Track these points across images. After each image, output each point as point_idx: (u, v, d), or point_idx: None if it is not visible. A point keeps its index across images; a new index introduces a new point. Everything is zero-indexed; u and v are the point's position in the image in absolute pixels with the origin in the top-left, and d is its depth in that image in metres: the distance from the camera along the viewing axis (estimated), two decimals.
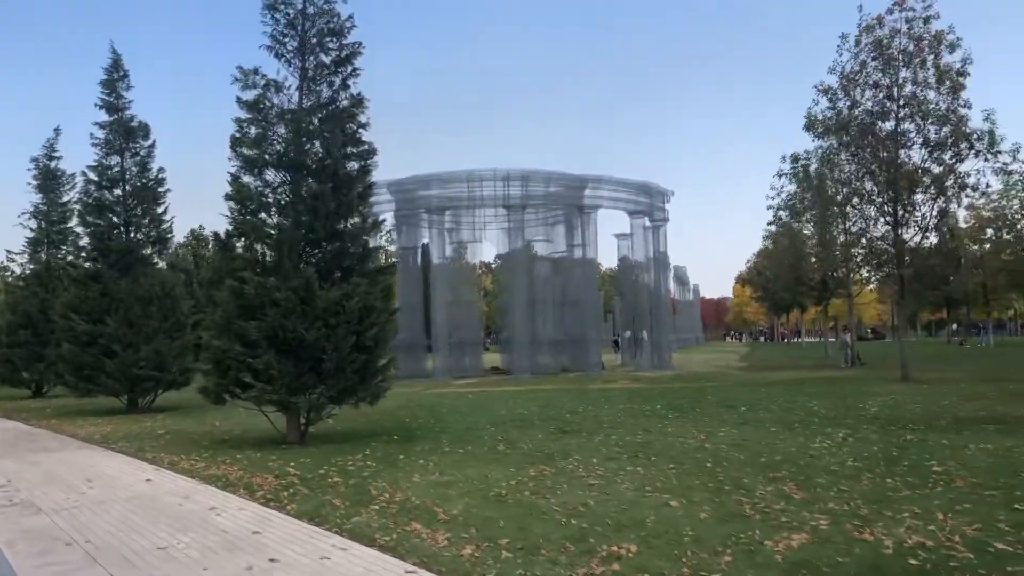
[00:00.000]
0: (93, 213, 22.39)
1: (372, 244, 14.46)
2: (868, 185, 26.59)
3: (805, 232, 43.60)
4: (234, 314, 13.53)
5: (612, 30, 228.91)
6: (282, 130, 14.36)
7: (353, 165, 14.44)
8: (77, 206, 22.22)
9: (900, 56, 25.09)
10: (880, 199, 26.27)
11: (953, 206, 25.79)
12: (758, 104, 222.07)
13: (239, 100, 14.36)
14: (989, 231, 53.72)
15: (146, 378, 21.31)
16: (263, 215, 14.13)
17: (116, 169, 22.63)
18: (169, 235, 23.06)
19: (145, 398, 22.45)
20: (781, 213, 39.58)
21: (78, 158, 79.15)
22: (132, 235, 22.65)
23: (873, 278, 30.04)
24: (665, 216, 38.45)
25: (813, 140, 28.80)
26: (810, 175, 32.17)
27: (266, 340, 13.18)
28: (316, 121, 14.38)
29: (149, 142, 22.95)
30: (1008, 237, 50.88)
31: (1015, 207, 48.61)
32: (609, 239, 41.18)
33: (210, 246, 54.10)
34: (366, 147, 14.43)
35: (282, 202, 14.25)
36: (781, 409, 17.68)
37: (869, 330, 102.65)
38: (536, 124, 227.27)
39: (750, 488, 8.89)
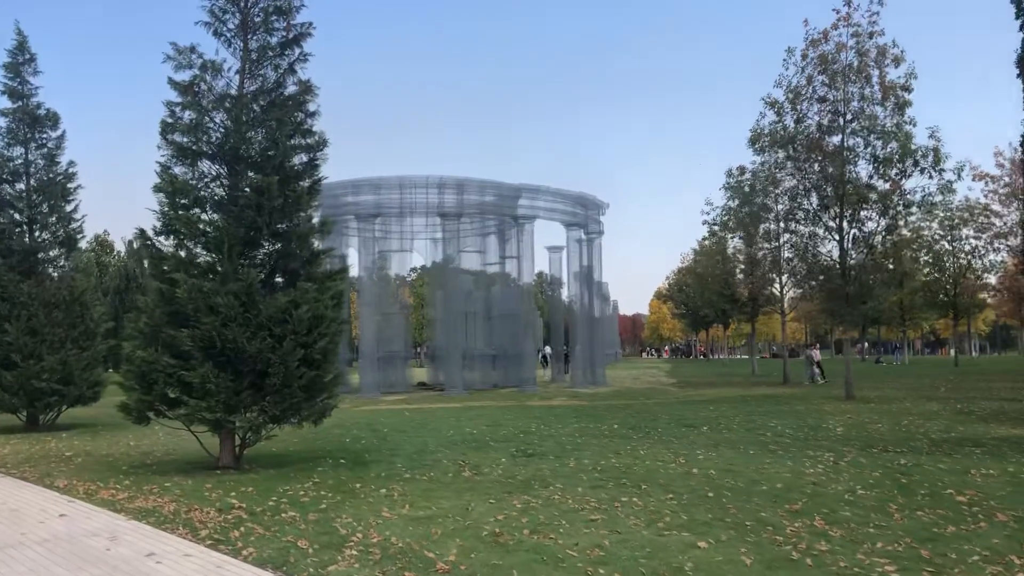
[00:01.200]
0: None
1: (320, 246, 13.02)
2: (813, 200, 26.30)
3: (736, 248, 43.68)
4: (162, 321, 11.91)
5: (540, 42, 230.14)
6: (221, 117, 12.83)
7: (301, 158, 13.01)
8: None
9: (845, 71, 24.93)
10: (826, 215, 26.02)
11: (900, 223, 25.58)
12: (681, 128, 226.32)
13: (171, 81, 12.78)
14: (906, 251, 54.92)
15: (49, 392, 19.20)
16: (197, 210, 12.56)
17: (19, 161, 20.47)
18: (79, 235, 20.97)
19: (48, 414, 20.29)
20: (715, 228, 39.45)
21: None
22: (37, 234, 20.51)
23: (815, 295, 29.80)
24: (600, 229, 37.74)
25: (756, 155, 28.46)
26: (755, 188, 31.94)
27: (201, 351, 11.62)
28: (259, 108, 12.89)
29: (58, 132, 20.88)
30: (927, 258, 52.14)
31: (934, 228, 49.80)
32: (540, 251, 40.02)
33: (133, 245, 51.09)
34: (316, 138, 13.01)
35: (219, 197, 12.71)
36: (744, 429, 16.90)
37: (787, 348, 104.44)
38: (460, 133, 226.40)
39: (774, 523, 7.89)
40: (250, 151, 12.62)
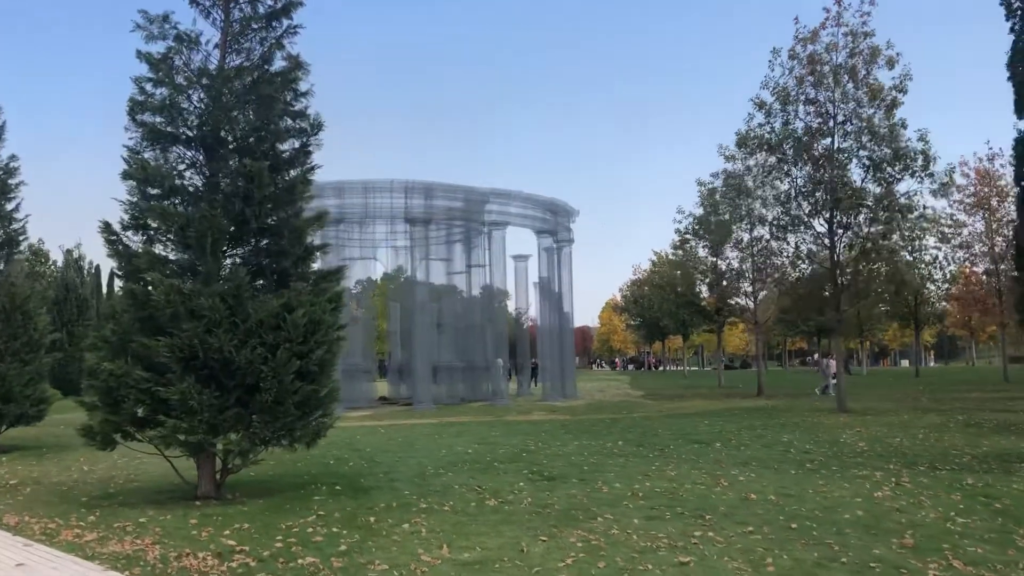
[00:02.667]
0: None
1: (315, 242, 11.44)
2: (804, 205, 25.45)
3: (703, 258, 42.85)
4: (133, 328, 10.24)
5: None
6: (198, 96, 11.20)
7: (293, 143, 11.45)
8: None
9: (835, 72, 24.17)
10: (816, 220, 25.19)
11: (893, 228, 24.85)
12: (635, 137, 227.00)
13: (140, 54, 11.12)
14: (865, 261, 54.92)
15: None
16: (174, 200, 10.91)
17: None
18: (22, 236, 18.91)
19: None
20: (687, 236, 38.58)
21: None
22: None
23: (801, 303, 29.02)
24: (570, 237, 36.56)
25: (745, 158, 27.61)
26: (727, 195, 31.14)
27: (180, 362, 9.96)
28: (243, 86, 11.30)
29: None
30: (885, 268, 52.00)
31: (894, 238, 49.68)
32: (506, 260, 38.58)
33: (72, 253, 47.90)
34: (309, 121, 11.46)
35: (197, 186, 11.08)
36: (760, 445, 15.73)
37: (737, 360, 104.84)
38: (412, 136, 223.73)
39: (904, 566, 6.61)
40: (234, 133, 11.02)
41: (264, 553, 7.41)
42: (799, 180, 25.46)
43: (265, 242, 10.95)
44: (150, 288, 10.27)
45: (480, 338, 35.78)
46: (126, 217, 11.06)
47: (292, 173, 11.28)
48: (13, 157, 18.79)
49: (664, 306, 61.03)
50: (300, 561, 7.08)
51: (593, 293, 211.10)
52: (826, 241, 24.99)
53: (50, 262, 64.67)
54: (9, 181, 18.66)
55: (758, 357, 39.80)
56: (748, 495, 10.06)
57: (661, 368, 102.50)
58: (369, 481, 12.16)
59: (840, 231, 24.76)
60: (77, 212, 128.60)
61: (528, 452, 15.36)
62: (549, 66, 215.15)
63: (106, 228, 11.05)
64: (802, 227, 25.97)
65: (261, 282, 11.09)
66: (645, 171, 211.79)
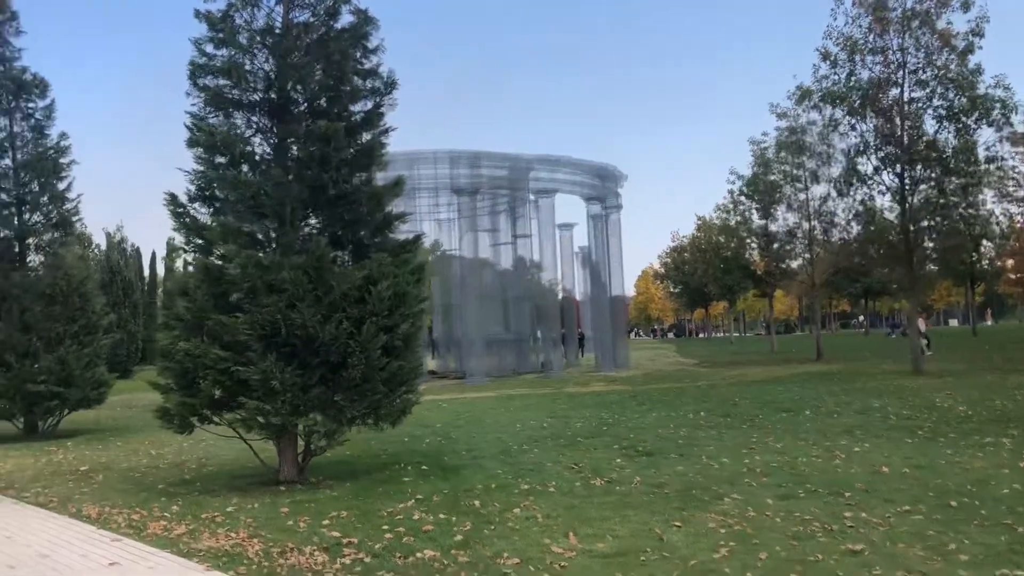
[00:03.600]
0: None
1: (393, 209, 10.69)
2: (872, 160, 24.30)
3: (753, 220, 41.62)
4: (208, 305, 9.60)
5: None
6: (263, 56, 10.48)
7: (365, 104, 10.69)
8: None
9: (905, 18, 22.90)
10: (887, 174, 24.03)
11: (975, 180, 23.65)
12: (672, 105, 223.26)
13: (199, 13, 10.41)
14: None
15: (49, 395, 16.75)
16: (241, 168, 10.22)
17: (3, 134, 17.92)
18: (76, 217, 18.44)
19: (47, 421, 17.86)
20: (741, 197, 37.42)
21: None
22: (26, 216, 17.99)
23: (871, 262, 27.92)
24: (619, 202, 35.57)
25: (794, 117, 26.47)
26: (801, 148, 29.92)
27: (261, 340, 9.32)
28: (310, 44, 10.53)
29: (47, 101, 18.31)
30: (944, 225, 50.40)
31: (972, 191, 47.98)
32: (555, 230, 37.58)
33: (114, 236, 47.71)
34: (381, 79, 10.68)
35: (265, 151, 10.39)
36: (854, 411, 14.87)
37: (778, 325, 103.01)
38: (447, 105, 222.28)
39: None
40: (305, 94, 10.29)
41: (376, 546, 6.75)
42: (866, 134, 24.27)
43: (341, 210, 10.22)
44: (223, 262, 9.63)
45: (525, 310, 35.11)
46: (192, 188, 10.43)
47: (366, 136, 10.53)
48: (63, 135, 18.31)
49: (709, 271, 59.90)
50: (419, 555, 6.41)
51: (626, 262, 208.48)
52: (894, 197, 23.86)
53: (93, 245, 64.91)
54: (61, 160, 18.17)
55: (815, 321, 38.60)
56: (878, 468, 9.25)
57: (703, 335, 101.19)
58: (453, 460, 11.52)
59: (912, 186, 23.60)
60: (114, 194, 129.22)
61: (608, 425, 14.64)
62: (589, 29, 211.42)
63: (172, 200, 10.41)
64: (868, 183, 24.84)
65: (337, 253, 10.38)
66: (676, 141, 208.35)
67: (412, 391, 10.54)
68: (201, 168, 10.29)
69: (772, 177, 35.97)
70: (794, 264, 42.49)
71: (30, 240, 17.96)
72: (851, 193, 25.80)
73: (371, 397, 9.78)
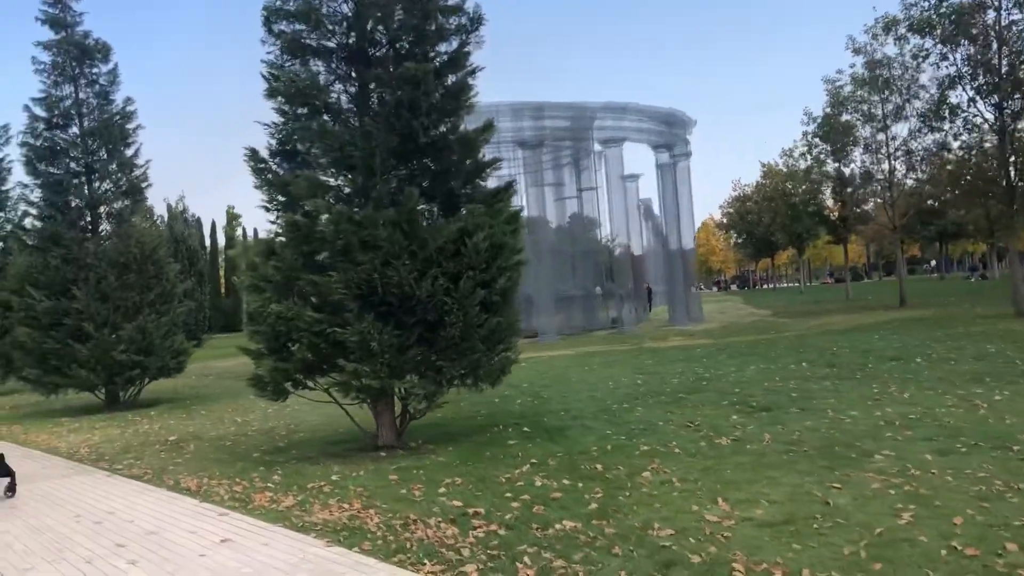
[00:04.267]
0: (44, 159, 17.40)
1: (484, 156, 9.98)
2: (964, 93, 22.79)
3: (828, 162, 39.92)
4: (297, 265, 9.06)
5: None
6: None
7: (450, 43, 9.94)
8: (21, 153, 17.28)
9: None
10: (984, 105, 22.53)
11: None
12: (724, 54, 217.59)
13: None
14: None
15: (130, 365, 16.63)
16: (322, 118, 9.59)
17: (69, 101, 17.65)
18: (144, 183, 18.18)
19: (128, 391, 17.78)
20: (817, 139, 35.81)
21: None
22: (96, 185, 17.76)
23: (968, 201, 26.47)
24: (687, 150, 34.34)
25: (880, 48, 24.92)
26: (889, 82, 28.32)
27: (357, 300, 8.78)
28: None
29: (109, 65, 18.03)
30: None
31: None
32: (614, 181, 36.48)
33: (176, 206, 48.22)
34: (467, 14, 9.90)
35: (349, 99, 9.75)
36: (972, 359, 13.84)
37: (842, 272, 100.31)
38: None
39: None
40: (388, 35, 9.59)
41: (506, 516, 6.16)
42: (960, 63, 22.74)
43: (430, 159, 9.56)
44: (309, 219, 9.06)
45: (591, 265, 34.30)
46: (273, 142, 9.86)
47: (452, 79, 9.81)
48: (129, 100, 18.04)
49: (777, 219, 58.21)
50: (559, 527, 5.79)
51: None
52: (991, 128, 22.36)
53: (155, 216, 65.68)
54: (127, 126, 17.86)
55: (899, 266, 37.01)
56: None
57: (769, 286, 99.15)
58: (553, 420, 10.92)
59: (1013, 117, 22.09)
60: (171, 165, 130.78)
61: (706, 380, 13.90)
62: None
63: (252, 155, 9.86)
64: (962, 116, 23.35)
65: (426, 205, 9.74)
66: (735, 86, 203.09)
67: (510, 349, 9.92)
68: (281, 120, 9.72)
69: (846, 117, 34.36)
70: (868, 208, 40.89)
71: (101, 209, 17.73)
72: (942, 127, 24.27)
73: (470, 356, 9.20)
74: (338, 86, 9.95)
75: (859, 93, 33.53)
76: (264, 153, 9.81)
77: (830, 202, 43.69)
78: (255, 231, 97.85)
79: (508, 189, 10.01)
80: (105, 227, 17.62)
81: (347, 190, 9.27)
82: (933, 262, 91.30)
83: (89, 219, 17.57)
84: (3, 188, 25.78)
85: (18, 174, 24.02)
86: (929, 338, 17.85)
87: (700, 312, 34.66)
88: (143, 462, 10.39)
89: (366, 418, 10.08)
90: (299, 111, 9.76)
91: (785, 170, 58.04)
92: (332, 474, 8.39)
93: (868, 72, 29.91)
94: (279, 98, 9.64)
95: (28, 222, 17.38)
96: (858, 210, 40.66)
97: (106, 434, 13.43)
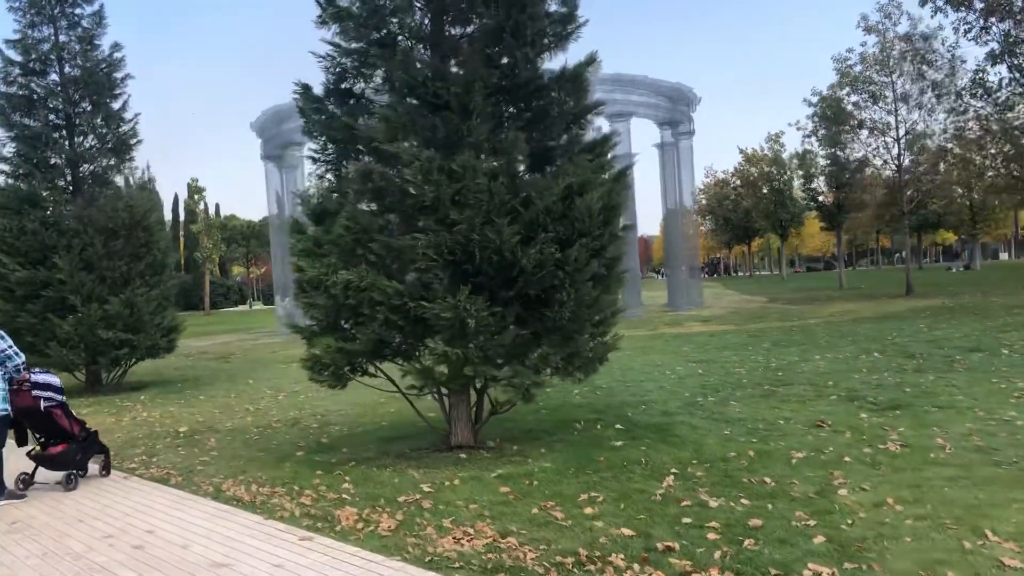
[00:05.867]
0: (19, 108, 15.33)
1: (587, 101, 8.32)
2: (1003, 70, 21.69)
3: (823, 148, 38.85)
4: (370, 225, 7.39)
5: None
6: None
7: None
8: None
9: None
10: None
11: None
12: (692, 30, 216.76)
13: None
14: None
15: (116, 343, 14.71)
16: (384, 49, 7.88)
17: (48, 45, 15.58)
18: (134, 140, 16.16)
19: (112, 372, 15.89)
20: (823, 121, 34.63)
21: None
22: (78, 140, 15.76)
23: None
24: (691, 128, 32.97)
25: (932, 15, 23.70)
26: (922, 59, 27.17)
27: (446, 268, 7.15)
28: None
29: (95, 6, 15.96)
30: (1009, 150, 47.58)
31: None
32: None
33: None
34: None
35: (422, 25, 8.04)
36: None
37: (812, 261, 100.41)
38: None
39: None
40: None
41: (715, 555, 4.62)
42: (1001, 38, 21.62)
43: (529, 99, 7.92)
44: (389, 167, 7.39)
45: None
46: (330, 77, 8.15)
47: (552, 6, 8.14)
48: (116, 46, 16.00)
49: (761, 205, 57.36)
50: (809, 574, 4.27)
51: (647, 201, 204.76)
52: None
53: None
54: (114, 75, 15.87)
55: (907, 254, 36.11)
56: None
57: (743, 273, 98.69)
58: (641, 415, 9.43)
59: None
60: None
61: (780, 371, 12.52)
62: None
63: (305, 93, 8.15)
64: (1003, 91, 22.26)
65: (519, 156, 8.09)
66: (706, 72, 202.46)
67: (608, 333, 8.36)
68: (349, 47, 8.00)
69: (855, 97, 33.27)
70: (865, 195, 39.98)
71: (84, 167, 15.74)
72: (976, 105, 23.18)
73: (577, 340, 7.63)
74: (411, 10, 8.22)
75: (867, 73, 32.48)
76: (319, 89, 8.10)
77: (824, 187, 42.76)
78: (216, 207, 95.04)
79: (608, 140, 8.40)
80: (89, 188, 15.60)
81: (435, 134, 7.55)
82: (903, 252, 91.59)
83: (70, 178, 15.55)
84: None
85: None
86: (983, 328, 16.67)
87: (699, 297, 33.42)
88: (160, 459, 8.67)
89: (425, 407, 8.47)
90: (356, 44, 8.04)
91: (770, 155, 57.28)
92: (418, 482, 6.78)
93: (914, 42, 28.72)
94: (339, 24, 7.91)
95: (0, 180, 15.30)
96: (858, 196, 39.69)
97: (98, 422, 11.54)
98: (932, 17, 24.83)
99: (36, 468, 7.62)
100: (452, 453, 7.90)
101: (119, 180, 15.95)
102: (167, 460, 8.61)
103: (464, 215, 6.93)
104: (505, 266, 7.12)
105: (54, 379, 7.69)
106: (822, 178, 41.68)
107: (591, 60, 7.92)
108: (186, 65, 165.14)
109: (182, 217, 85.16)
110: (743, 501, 5.67)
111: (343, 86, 8.28)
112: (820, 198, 42.20)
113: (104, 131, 15.77)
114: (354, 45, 7.93)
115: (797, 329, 19.75)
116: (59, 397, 7.60)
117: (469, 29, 7.95)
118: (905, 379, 10.85)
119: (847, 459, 6.71)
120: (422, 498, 6.25)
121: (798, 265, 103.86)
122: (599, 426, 8.89)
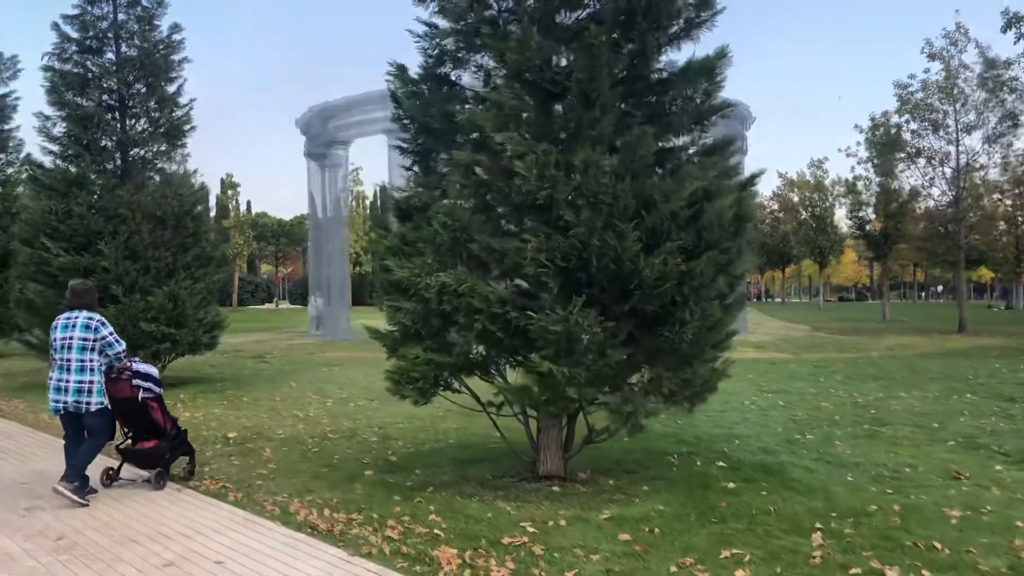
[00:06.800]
0: (73, 87, 14.70)
1: (715, 100, 7.44)
2: None
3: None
4: (473, 223, 6.55)
5: None
6: None
7: None
8: (45, 78, 14.52)
9: None
10: None
11: None
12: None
13: None
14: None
15: (159, 337, 13.95)
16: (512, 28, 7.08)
17: (106, 24, 14.97)
18: (187, 126, 15.47)
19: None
20: (877, 147, 33.57)
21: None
22: (130, 123, 15.10)
23: None
24: (745, 147, 31.97)
25: (1015, 41, 22.68)
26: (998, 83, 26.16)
27: (558, 276, 6.30)
28: None
29: None
30: None
31: None
32: None
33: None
34: None
35: (532, 8, 7.22)
36: None
37: (848, 292, 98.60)
38: None
39: None
40: None
41: None
42: None
43: (649, 92, 7.09)
44: (497, 159, 6.57)
45: None
46: (428, 60, 7.36)
47: None
48: (176, 27, 15.33)
49: (802, 231, 56.19)
50: None
51: None
52: None
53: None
54: (171, 57, 15.22)
55: (960, 289, 34.80)
56: None
57: (777, 300, 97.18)
58: (738, 451, 8.56)
59: None
60: None
61: (872, 408, 11.57)
62: None
63: (400, 74, 7.38)
64: None
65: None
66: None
67: (719, 358, 7.46)
68: (441, 30, 7.21)
69: (914, 125, 32.22)
70: (917, 225, 38.82)
71: (134, 151, 15.07)
72: None
73: (693, 365, 6.75)
74: None
75: (928, 101, 31.47)
76: (417, 70, 7.31)
77: (872, 215, 41.62)
78: (248, 203, 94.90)
79: (731, 143, 7.52)
80: (139, 173, 14.92)
81: (553, 125, 6.68)
82: (940, 287, 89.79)
83: (119, 162, 14.88)
84: (5, 127, 22.91)
85: (29, 107, 21.12)
86: None
87: (744, 322, 32.33)
88: (213, 470, 7.89)
89: (509, 425, 7.60)
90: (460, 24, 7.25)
91: (812, 181, 56.16)
92: (516, 519, 5.93)
93: (993, 68, 27.70)
94: (440, 1, 7.12)
95: (48, 161, 14.63)
96: (908, 226, 38.53)
97: None
98: (1016, 43, 23.56)
99: (122, 463, 7.20)
100: (541, 484, 7.04)
101: (170, 167, 15.19)
102: (221, 471, 7.82)
103: (582, 217, 6.09)
104: (622, 277, 6.26)
105: (153, 370, 7.35)
106: (869, 207, 40.53)
107: (722, 53, 7.05)
108: (223, 55, 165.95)
109: (213, 212, 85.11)
110: (924, 572, 4.76)
111: (439, 71, 7.48)
112: (867, 227, 41.02)
113: (157, 115, 15.09)
114: (460, 24, 7.13)
115: (863, 362, 18.73)
116: (157, 389, 7.28)
117: (581, 14, 7.12)
118: (1019, 426, 9.87)
119: (1019, 523, 5.78)
120: (529, 541, 5.39)
121: (829, 294, 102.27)
122: (698, 462, 8.00)
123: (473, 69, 7.54)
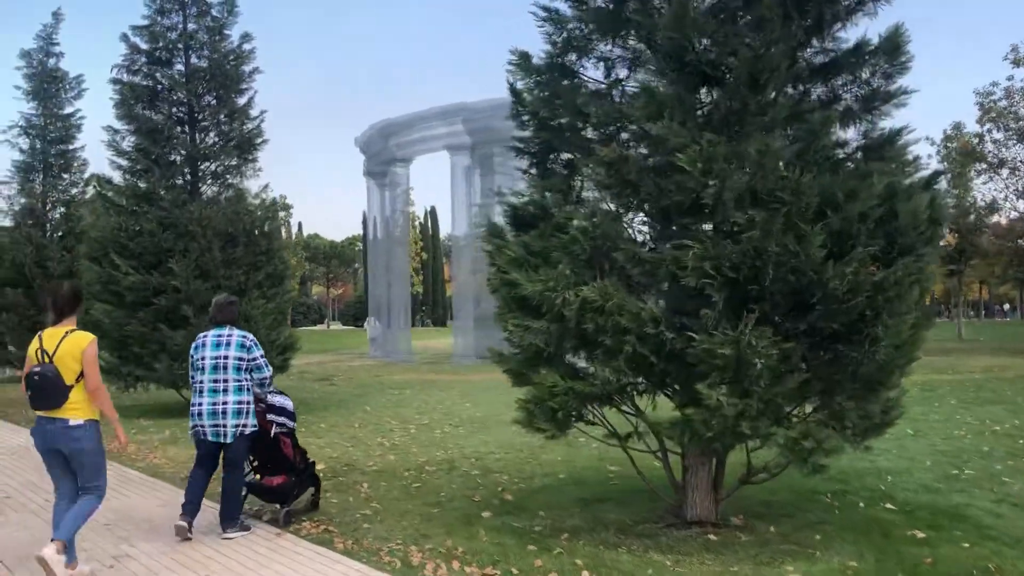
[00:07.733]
0: (142, 99, 14.18)
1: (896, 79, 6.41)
2: None
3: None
4: (611, 228, 5.64)
5: None
6: None
7: None
8: (114, 91, 14.02)
9: None
10: None
11: None
12: None
13: None
14: None
15: None
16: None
17: (175, 34, 14.45)
18: (259, 139, 14.84)
19: None
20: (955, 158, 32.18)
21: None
22: (200, 136, 14.54)
23: None
24: None
25: None
26: None
27: (723, 289, 5.34)
28: None
29: None
30: None
31: None
32: None
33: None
34: None
35: None
36: None
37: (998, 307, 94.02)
38: None
39: None
40: None
41: None
42: None
43: (819, 73, 6.13)
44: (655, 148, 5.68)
45: None
46: (553, 48, 6.50)
47: None
48: (246, 37, 14.77)
49: None
50: None
51: None
52: None
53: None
54: (242, 68, 14.64)
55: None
56: None
57: None
58: (896, 489, 7.48)
59: None
60: None
61: (1005, 436, 10.39)
62: None
63: (523, 62, 6.52)
64: None
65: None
66: None
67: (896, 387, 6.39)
68: (573, 13, 6.36)
69: (998, 135, 30.75)
70: (998, 240, 37.19)
71: (204, 165, 14.49)
72: None
73: (879, 393, 5.75)
74: None
75: (1014, 109, 30.00)
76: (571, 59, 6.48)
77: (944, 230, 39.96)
78: (299, 225, 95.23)
79: (900, 134, 6.46)
80: (209, 188, 14.34)
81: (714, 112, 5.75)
82: (1007, 305, 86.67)
83: (189, 176, 14.31)
84: (70, 147, 22.59)
85: (96, 122, 20.76)
86: None
87: None
88: (305, 514, 7.02)
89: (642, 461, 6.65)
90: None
91: None
92: (646, 567, 4.96)
93: None
94: None
95: (117, 176, 14.12)
96: (988, 241, 36.88)
97: None
98: None
99: (246, 497, 6.52)
100: (691, 531, 6.07)
101: (241, 181, 14.58)
102: (320, 511, 6.97)
103: (758, 218, 5.14)
104: (801, 288, 5.30)
105: (289, 403, 6.82)
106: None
107: (900, 30, 6.07)
108: (277, 77, 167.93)
109: None
110: None
111: (564, 60, 6.62)
112: (941, 242, 39.35)
113: (227, 128, 14.51)
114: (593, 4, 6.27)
115: (970, 385, 17.39)
116: (291, 424, 6.77)
117: None
118: None
119: None
120: None
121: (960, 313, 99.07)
122: (861, 503, 6.95)
123: (594, 59, 6.69)
